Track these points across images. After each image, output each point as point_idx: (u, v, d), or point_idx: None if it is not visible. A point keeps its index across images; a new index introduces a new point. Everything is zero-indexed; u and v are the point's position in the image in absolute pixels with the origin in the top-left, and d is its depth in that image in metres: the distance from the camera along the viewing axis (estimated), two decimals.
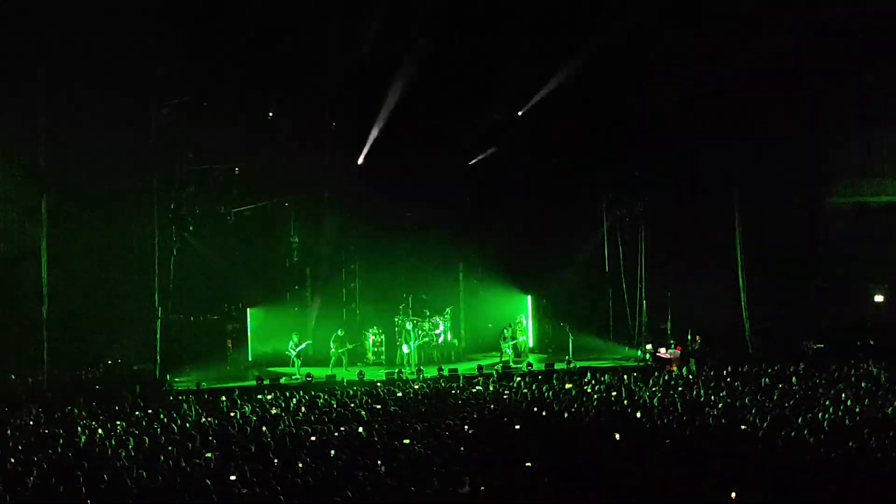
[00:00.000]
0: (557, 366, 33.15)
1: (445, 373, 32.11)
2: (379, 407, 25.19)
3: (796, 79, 37.23)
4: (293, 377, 32.85)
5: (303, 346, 34.49)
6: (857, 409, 22.34)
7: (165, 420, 23.83)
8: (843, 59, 36.81)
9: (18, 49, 32.99)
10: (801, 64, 36.65)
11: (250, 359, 36.69)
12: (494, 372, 32.04)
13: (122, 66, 31.92)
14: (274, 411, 25.17)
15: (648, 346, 35.71)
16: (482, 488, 16.19)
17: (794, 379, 27.61)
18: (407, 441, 20.10)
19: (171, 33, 33.34)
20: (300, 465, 18.01)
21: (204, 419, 23.98)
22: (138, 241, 36.48)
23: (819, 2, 33.36)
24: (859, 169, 39.37)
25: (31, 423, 23.92)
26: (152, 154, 34.17)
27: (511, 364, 34.49)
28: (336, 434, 21.37)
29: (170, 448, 20.17)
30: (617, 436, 20.26)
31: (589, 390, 27.25)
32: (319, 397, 27.30)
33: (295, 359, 33.73)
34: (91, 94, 34.20)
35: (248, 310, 37.05)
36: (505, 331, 36.14)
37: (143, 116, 33.17)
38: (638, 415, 22.91)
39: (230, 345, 36.26)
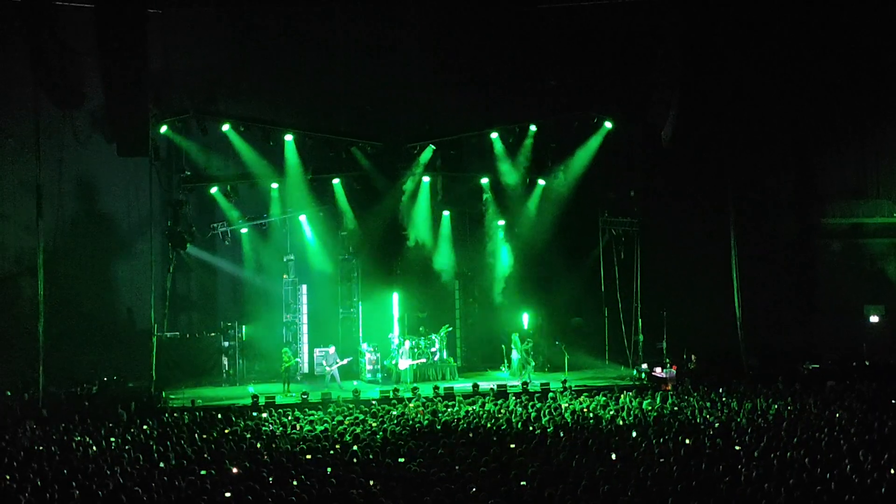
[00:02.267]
0: (553, 385, 33.11)
1: (441, 391, 32.07)
2: (374, 424, 25.20)
3: (792, 100, 37.56)
4: (288, 394, 32.83)
5: (293, 362, 34.62)
6: (852, 430, 22.36)
7: (160, 437, 23.80)
8: (839, 81, 37.17)
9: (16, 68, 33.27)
10: (798, 85, 37.00)
11: (246, 376, 36.69)
12: (490, 390, 32.00)
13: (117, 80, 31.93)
14: (269, 428, 25.15)
15: (644, 366, 35.69)
16: None
17: (789, 399, 27.63)
18: (402, 460, 20.09)
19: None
20: (295, 483, 17.99)
21: (199, 436, 23.94)
22: (134, 258, 36.62)
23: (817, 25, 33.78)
24: (855, 191, 39.51)
25: (26, 439, 23.86)
26: (150, 171, 34.27)
27: (507, 382, 34.42)
28: (331, 452, 21.35)
29: (164, 465, 20.14)
30: (613, 455, 20.27)
31: (584, 409, 27.25)
32: (313, 415, 27.30)
33: (286, 375, 33.78)
34: (86, 111, 34.45)
35: (244, 327, 37.02)
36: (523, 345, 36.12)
37: (139, 133, 33.10)
38: (633, 434, 22.91)
39: (226, 362, 36.25)
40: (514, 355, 36.98)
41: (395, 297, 38.68)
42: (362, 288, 38.94)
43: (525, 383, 33.26)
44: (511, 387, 32.87)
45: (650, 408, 27.08)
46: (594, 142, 37.61)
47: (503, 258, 39.81)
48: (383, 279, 38.66)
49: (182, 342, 36.48)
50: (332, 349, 35.41)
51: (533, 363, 35.61)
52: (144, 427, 25.63)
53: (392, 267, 38.70)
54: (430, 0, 34.49)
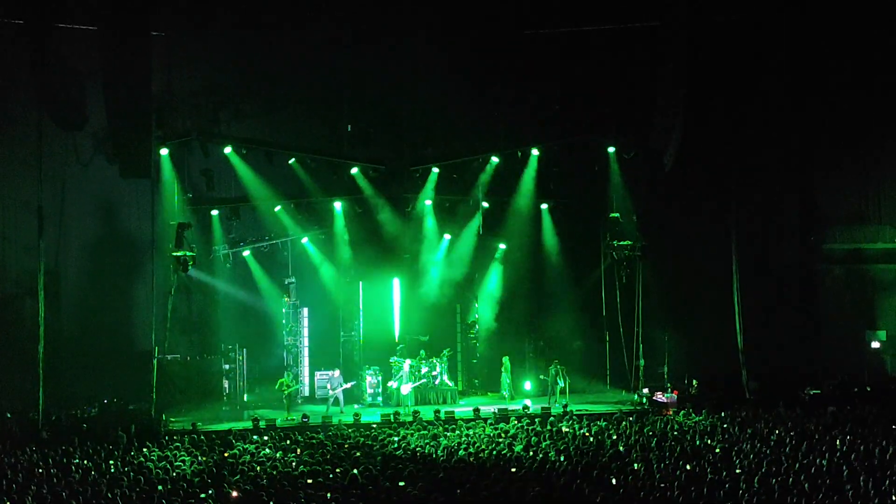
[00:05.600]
0: (554, 409, 33.11)
1: (442, 415, 32.02)
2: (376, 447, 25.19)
3: (794, 124, 37.66)
4: (288, 418, 32.79)
5: (294, 387, 34.65)
6: (854, 456, 22.30)
7: (160, 460, 23.75)
8: (841, 106, 37.30)
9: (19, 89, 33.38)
10: (800, 110, 37.13)
11: (246, 399, 36.63)
12: (492, 414, 31.97)
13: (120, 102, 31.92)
14: (268, 452, 25.11)
15: (645, 390, 35.64)
16: None
17: (790, 424, 27.57)
18: (402, 483, 20.03)
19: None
20: None
21: (199, 460, 23.90)
22: (136, 281, 36.60)
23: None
24: (856, 216, 39.53)
25: (26, 462, 23.82)
26: (152, 193, 34.30)
27: (508, 406, 34.41)
28: (332, 476, 21.30)
29: (163, 488, 20.09)
30: (613, 480, 20.22)
31: (585, 433, 27.20)
32: (314, 438, 27.24)
33: (286, 400, 33.77)
34: (89, 132, 34.54)
35: (245, 349, 36.98)
36: (551, 370, 35.99)
37: (142, 155, 33.04)
38: (634, 458, 22.86)
39: (226, 384, 36.20)
40: (507, 378, 37.17)
41: (397, 320, 38.68)
42: (364, 311, 38.92)
43: (525, 407, 33.30)
44: (512, 411, 32.89)
45: (651, 432, 27.03)
46: (609, 169, 37.70)
47: (504, 282, 39.82)
48: (384, 302, 38.68)
49: (183, 365, 36.39)
50: (336, 372, 35.43)
51: (561, 383, 35.45)
52: (144, 450, 25.61)
53: (393, 290, 38.74)
54: (433, 25, 34.59)
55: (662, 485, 19.58)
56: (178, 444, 26.68)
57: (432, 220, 38.95)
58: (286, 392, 33.96)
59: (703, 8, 32.36)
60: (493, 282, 39.91)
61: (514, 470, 21.55)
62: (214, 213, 37.20)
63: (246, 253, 38.04)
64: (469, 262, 39.49)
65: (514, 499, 18.17)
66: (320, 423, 31.28)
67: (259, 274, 38.37)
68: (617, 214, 37.02)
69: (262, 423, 30.78)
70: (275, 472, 21.87)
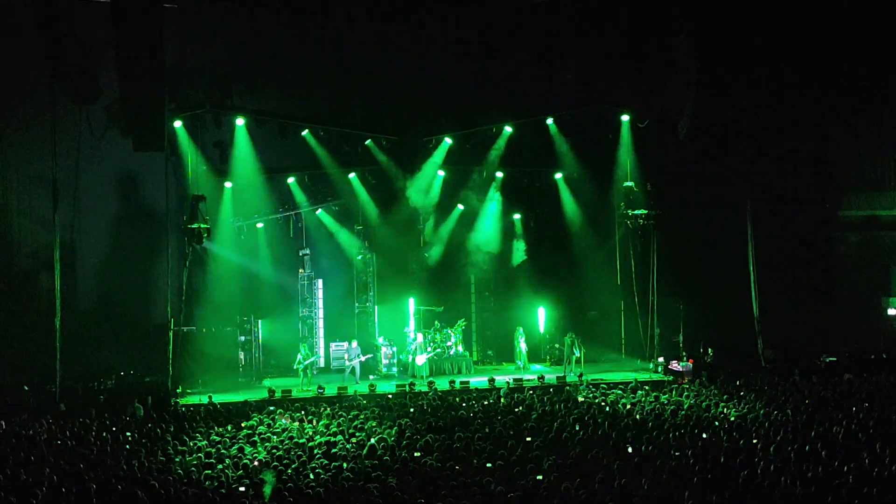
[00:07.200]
0: (569, 378, 33.13)
1: (457, 385, 32.06)
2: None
3: (809, 91, 37.40)
4: (303, 389, 32.88)
5: (312, 359, 34.65)
6: (870, 423, 22.26)
7: (177, 431, 23.85)
8: (855, 72, 37.02)
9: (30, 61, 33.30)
10: (815, 76, 36.85)
11: (262, 370, 36.74)
12: (506, 384, 31.98)
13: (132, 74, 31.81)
14: (284, 423, 25.19)
15: (661, 359, 35.65)
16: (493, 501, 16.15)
17: (806, 392, 27.54)
18: (418, 454, 20.08)
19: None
20: (310, 476, 18.00)
21: (214, 430, 23.99)
22: (151, 253, 36.62)
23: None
24: (872, 183, 39.32)
25: (43, 434, 23.93)
26: (165, 165, 34.23)
27: (522, 376, 34.44)
28: (348, 446, 21.36)
29: (181, 459, 20.18)
30: (629, 449, 20.24)
31: (602, 403, 27.22)
32: (330, 409, 27.28)
33: (302, 372, 33.83)
34: (102, 105, 34.51)
35: (260, 321, 37.05)
36: (567, 339, 36.09)
37: (155, 128, 32.97)
38: (650, 427, 22.87)
39: (242, 356, 36.30)
40: (523, 347, 37.20)
41: (411, 291, 38.68)
42: (378, 282, 38.94)
43: (541, 377, 33.35)
44: (527, 381, 32.92)
45: (667, 401, 27.04)
46: (623, 138, 37.45)
47: (519, 251, 39.80)
48: (399, 273, 38.69)
49: (198, 337, 36.45)
50: (354, 343, 35.46)
51: (577, 353, 35.49)
52: (161, 421, 25.70)
53: (408, 261, 38.74)
54: None
55: (678, 453, 19.60)
56: (194, 415, 26.83)
57: (446, 190, 38.85)
58: (303, 363, 34.01)
59: None
60: (507, 252, 39.86)
61: (529, 439, 21.55)
62: (228, 185, 37.16)
63: (260, 225, 38.03)
64: (483, 233, 39.43)
65: (531, 468, 18.20)
66: (336, 394, 31.35)
67: (273, 246, 38.37)
68: (631, 183, 36.80)
69: (277, 394, 30.86)
70: (291, 443, 21.94)
